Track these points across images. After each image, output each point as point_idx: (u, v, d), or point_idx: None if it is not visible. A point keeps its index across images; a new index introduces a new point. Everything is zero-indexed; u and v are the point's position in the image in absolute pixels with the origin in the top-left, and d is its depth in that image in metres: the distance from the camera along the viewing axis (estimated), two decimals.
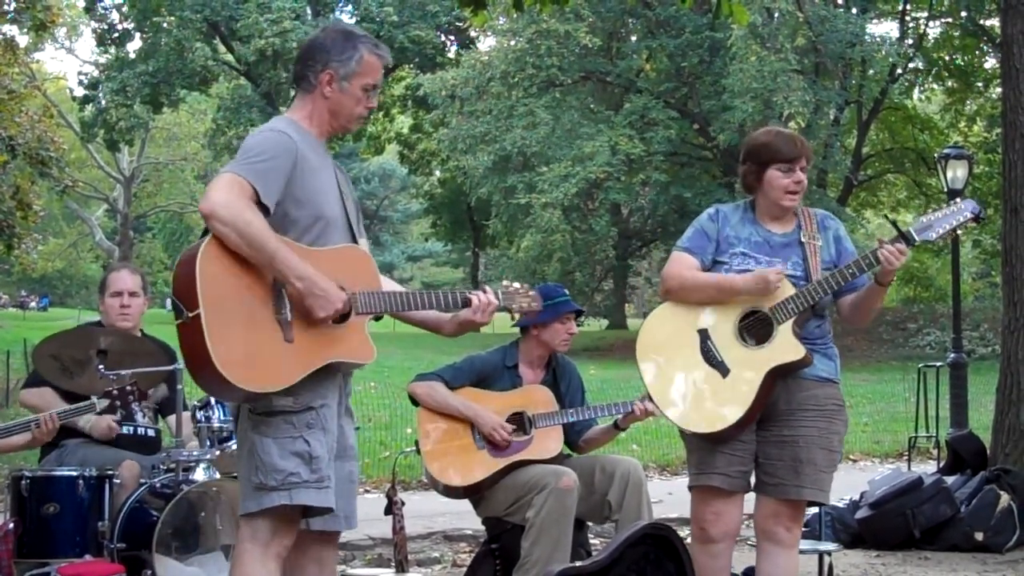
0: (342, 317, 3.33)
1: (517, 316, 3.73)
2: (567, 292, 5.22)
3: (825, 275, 3.91)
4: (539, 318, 5.04)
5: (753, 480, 4.04)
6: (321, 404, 3.32)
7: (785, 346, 3.86)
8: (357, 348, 3.35)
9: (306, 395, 3.29)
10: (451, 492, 4.96)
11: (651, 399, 4.19)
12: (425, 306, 3.47)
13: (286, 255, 3.20)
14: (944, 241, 4.03)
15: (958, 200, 4.03)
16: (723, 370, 3.91)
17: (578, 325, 5.29)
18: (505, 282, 3.62)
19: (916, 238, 3.89)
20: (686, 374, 3.96)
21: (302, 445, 3.27)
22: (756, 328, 3.92)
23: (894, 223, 4.03)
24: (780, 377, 3.90)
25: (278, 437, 3.28)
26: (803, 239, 4.01)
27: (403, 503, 5.16)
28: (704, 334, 3.96)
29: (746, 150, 4.12)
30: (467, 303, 3.52)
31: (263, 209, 3.23)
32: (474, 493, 4.95)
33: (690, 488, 4.09)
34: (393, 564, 5.69)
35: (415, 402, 4.99)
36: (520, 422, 4.94)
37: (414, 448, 5.06)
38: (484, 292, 3.53)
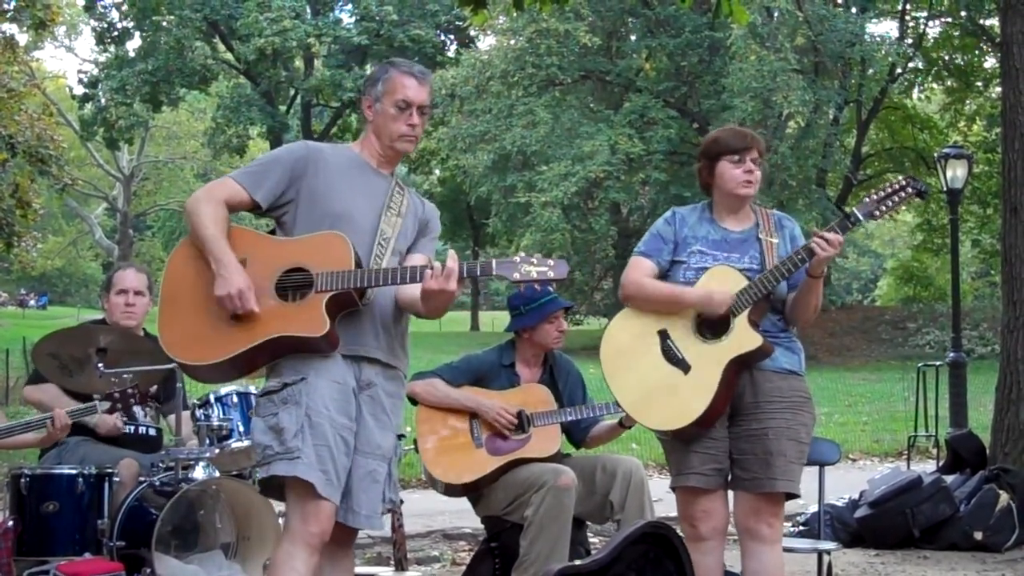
0: (301, 295, 3.47)
1: (532, 285, 3.58)
2: (552, 290, 5.15)
3: (775, 264, 3.96)
4: (526, 322, 5.07)
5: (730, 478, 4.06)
6: (296, 380, 3.45)
7: (742, 336, 3.90)
8: (304, 323, 3.44)
9: (287, 374, 3.49)
10: (450, 490, 4.96)
11: (618, 404, 4.21)
12: (386, 281, 3.49)
13: (215, 242, 3.49)
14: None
15: (900, 178, 4.10)
16: (684, 367, 3.95)
17: (575, 324, 5.26)
18: (521, 253, 3.53)
19: (860, 217, 3.97)
20: (648, 375, 3.99)
21: (274, 419, 3.44)
22: (713, 323, 3.96)
23: (838, 206, 4.08)
24: (742, 368, 3.94)
25: (263, 415, 3.50)
26: (760, 235, 4.07)
27: (402, 501, 5.16)
28: (664, 334, 4.01)
29: (700, 151, 4.22)
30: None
31: (255, 205, 3.57)
32: (472, 491, 4.95)
33: (672, 489, 4.13)
34: (392, 562, 5.70)
35: (413, 401, 4.98)
36: (519, 420, 4.95)
37: (412, 447, 5.07)
38: (447, 261, 3.44)
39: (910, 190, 3.98)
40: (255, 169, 3.64)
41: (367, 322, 3.57)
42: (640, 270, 4.10)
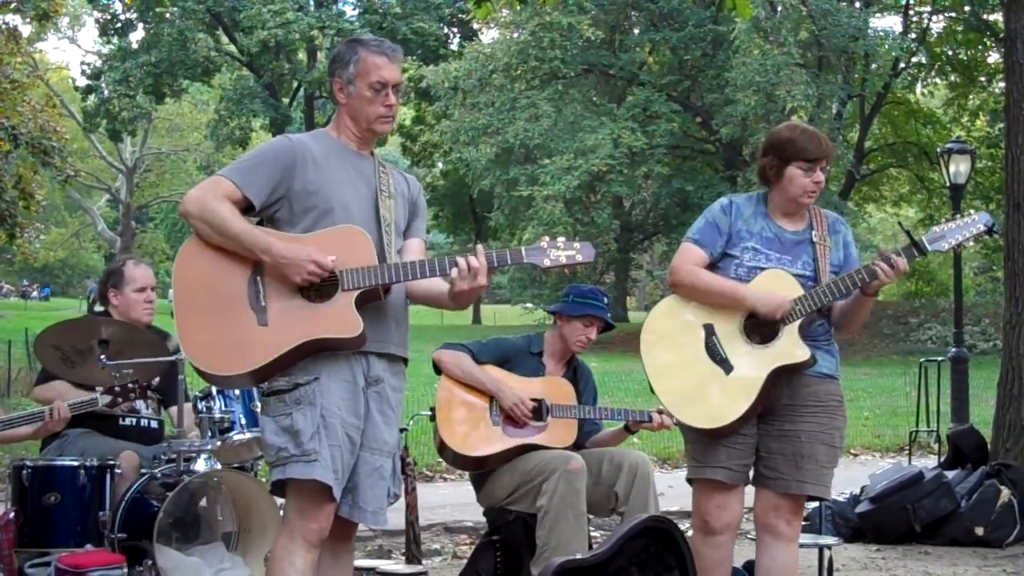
0: (325, 295, 3.38)
1: (560, 270, 3.53)
2: (605, 301, 5.17)
3: (835, 279, 3.91)
4: (568, 309, 5.08)
5: (752, 473, 4.04)
6: (309, 380, 3.39)
7: (791, 347, 3.85)
8: (337, 323, 3.37)
9: (298, 374, 3.40)
10: (458, 460, 4.94)
11: (655, 394, 4.15)
12: (415, 275, 3.44)
13: (250, 234, 3.37)
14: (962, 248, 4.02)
15: (972, 212, 4.03)
16: (727, 367, 3.90)
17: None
18: (547, 238, 3.49)
19: (928, 248, 3.90)
20: (689, 368, 3.93)
21: (288, 420, 3.38)
22: (761, 326, 3.90)
23: (908, 233, 3.99)
24: (783, 376, 3.90)
25: (274, 415, 3.43)
26: (815, 239, 4.00)
27: (416, 463, 5.08)
28: (709, 329, 3.94)
29: (769, 143, 4.06)
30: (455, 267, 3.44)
31: (249, 205, 3.42)
32: (480, 467, 4.92)
33: (690, 480, 4.09)
34: (404, 526, 5.61)
35: (438, 370, 4.98)
36: (538, 409, 4.94)
37: (429, 413, 5.06)
38: (473, 256, 3.40)
39: (982, 227, 3.92)
40: (244, 166, 3.49)
41: (383, 317, 3.52)
42: (692, 258, 3.99)
